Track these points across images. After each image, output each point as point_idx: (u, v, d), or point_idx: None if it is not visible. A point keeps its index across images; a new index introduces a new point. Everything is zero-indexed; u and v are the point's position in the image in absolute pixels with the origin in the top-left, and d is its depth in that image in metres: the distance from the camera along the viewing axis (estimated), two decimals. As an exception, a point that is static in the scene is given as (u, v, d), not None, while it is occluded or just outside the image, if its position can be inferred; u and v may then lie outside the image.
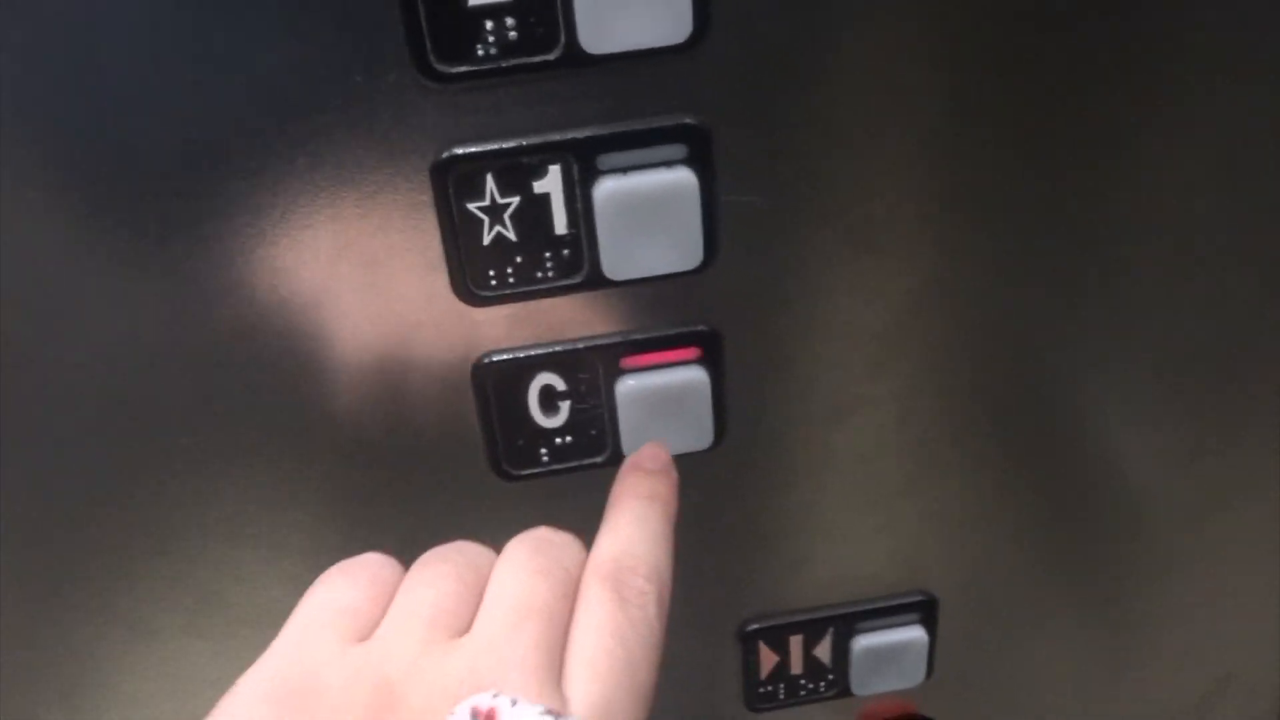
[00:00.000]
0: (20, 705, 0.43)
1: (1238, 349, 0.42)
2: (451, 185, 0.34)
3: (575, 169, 0.35)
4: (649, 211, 0.35)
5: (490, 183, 0.34)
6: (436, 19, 0.32)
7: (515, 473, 0.40)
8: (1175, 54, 0.36)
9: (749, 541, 0.43)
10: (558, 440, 0.39)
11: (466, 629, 0.29)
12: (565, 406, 0.39)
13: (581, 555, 0.32)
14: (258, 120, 0.33)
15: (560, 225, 0.35)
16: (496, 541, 0.41)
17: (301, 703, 0.27)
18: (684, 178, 0.35)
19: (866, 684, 0.47)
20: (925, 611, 0.46)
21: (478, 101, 0.33)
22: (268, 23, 0.31)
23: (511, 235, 0.35)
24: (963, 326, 0.40)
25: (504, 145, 0.34)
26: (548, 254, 0.36)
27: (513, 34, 0.32)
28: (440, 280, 0.36)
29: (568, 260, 0.36)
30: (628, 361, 0.38)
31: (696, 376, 0.39)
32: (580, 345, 0.38)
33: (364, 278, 0.36)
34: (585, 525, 0.42)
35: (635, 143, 0.35)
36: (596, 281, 0.36)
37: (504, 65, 0.33)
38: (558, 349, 0.38)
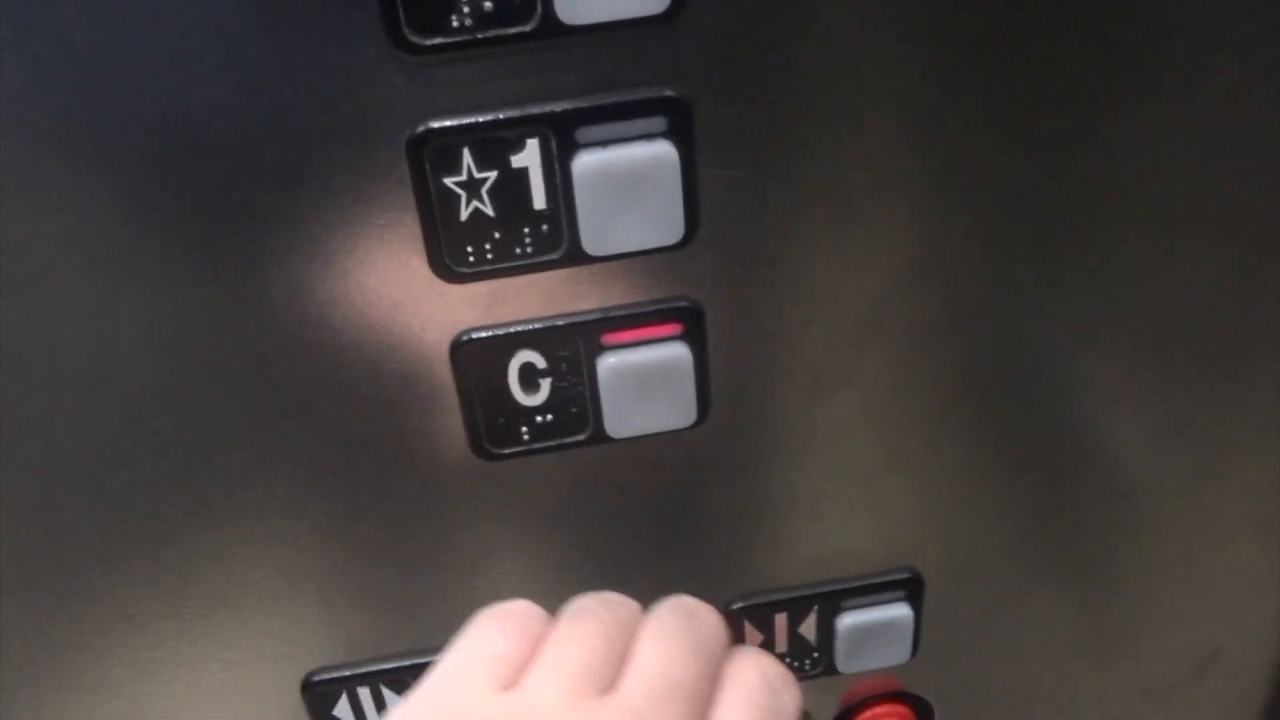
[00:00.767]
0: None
1: (1224, 322, 0.42)
2: (428, 160, 0.34)
3: (554, 143, 0.34)
4: (629, 185, 0.35)
5: (467, 157, 0.34)
6: (410, -10, 0.31)
7: (496, 451, 0.39)
8: (1160, 32, 0.35)
9: (733, 519, 0.43)
10: (538, 418, 0.39)
11: (610, 687, 0.30)
12: (546, 384, 0.38)
13: (727, 638, 0.34)
14: (229, 97, 0.32)
15: (539, 200, 0.35)
16: (479, 523, 0.42)
17: None
18: (664, 151, 0.35)
19: (852, 662, 0.47)
20: (911, 589, 0.46)
21: (454, 74, 0.33)
22: (238, -5, 0.31)
23: (489, 211, 0.35)
24: (948, 301, 0.39)
25: (481, 119, 0.33)
26: (526, 229, 0.35)
27: (488, 5, 0.32)
28: (418, 257, 0.36)
29: (547, 235, 0.36)
30: (609, 338, 0.38)
31: (679, 353, 0.38)
32: (560, 322, 0.37)
33: (339, 255, 0.35)
34: (567, 504, 0.42)
35: (614, 116, 0.34)
36: (576, 257, 0.36)
37: (480, 37, 0.32)
38: (538, 326, 0.37)
